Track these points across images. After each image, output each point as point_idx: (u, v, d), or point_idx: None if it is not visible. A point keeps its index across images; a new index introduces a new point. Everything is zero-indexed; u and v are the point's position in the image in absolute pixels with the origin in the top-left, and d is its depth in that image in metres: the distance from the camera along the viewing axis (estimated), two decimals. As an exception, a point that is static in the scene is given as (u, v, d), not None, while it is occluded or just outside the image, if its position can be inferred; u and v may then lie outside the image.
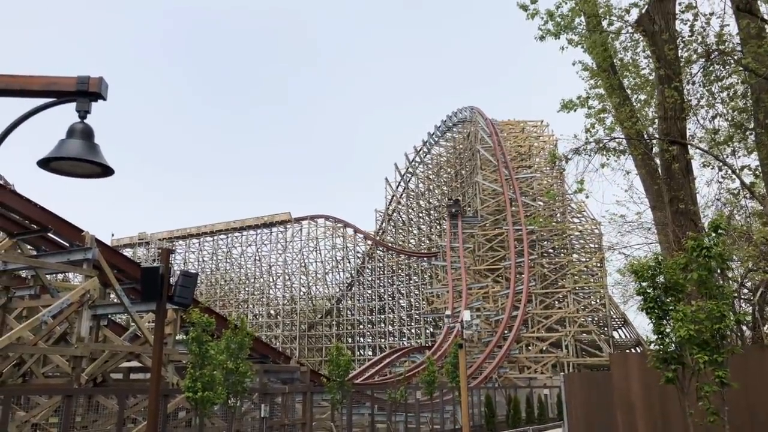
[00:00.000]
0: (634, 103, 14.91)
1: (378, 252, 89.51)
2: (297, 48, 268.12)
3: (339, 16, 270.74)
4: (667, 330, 9.24)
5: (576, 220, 71.04)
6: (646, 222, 15.85)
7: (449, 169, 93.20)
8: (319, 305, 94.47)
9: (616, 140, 14.43)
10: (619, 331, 71.62)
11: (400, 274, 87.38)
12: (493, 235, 71.46)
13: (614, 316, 67.14)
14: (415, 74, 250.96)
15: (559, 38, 14.15)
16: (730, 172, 13.61)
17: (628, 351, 60.54)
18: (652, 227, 15.77)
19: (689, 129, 14.04)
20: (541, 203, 72.67)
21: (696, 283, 9.16)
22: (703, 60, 13.18)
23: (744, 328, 12.70)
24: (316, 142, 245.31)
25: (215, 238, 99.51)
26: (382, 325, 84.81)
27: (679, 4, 13.83)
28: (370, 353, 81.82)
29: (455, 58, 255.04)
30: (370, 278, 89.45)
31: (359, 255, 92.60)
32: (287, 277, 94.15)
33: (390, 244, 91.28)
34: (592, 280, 65.30)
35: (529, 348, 62.43)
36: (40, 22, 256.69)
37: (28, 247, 23.54)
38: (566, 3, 14.09)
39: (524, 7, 14.05)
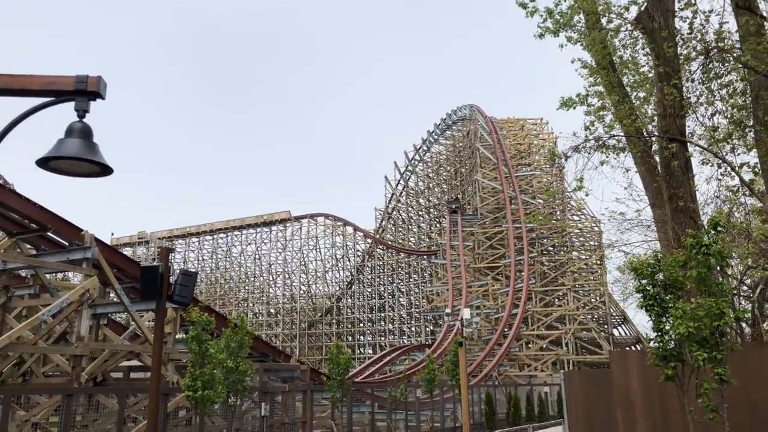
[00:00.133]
0: (634, 101, 14.89)
1: (378, 250, 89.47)
2: (297, 48, 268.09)
3: (339, 16, 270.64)
4: (667, 327, 9.25)
5: (576, 218, 70.96)
6: (646, 219, 15.87)
7: (449, 167, 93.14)
8: (319, 304, 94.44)
9: (616, 138, 14.44)
10: (619, 328, 71.66)
11: (399, 272, 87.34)
12: (492, 233, 71.46)
13: (614, 314, 67.16)
14: (415, 74, 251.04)
15: (558, 36, 14.13)
16: (729, 169, 13.62)
17: (627, 348, 60.66)
18: (651, 225, 15.78)
19: (688, 126, 14.05)
20: (541, 201, 72.60)
21: (695, 280, 9.17)
22: (703, 57, 13.17)
23: (743, 325, 12.73)
24: (316, 142, 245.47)
25: (215, 236, 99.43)
26: (382, 323, 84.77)
27: (679, 1, 13.83)
28: (370, 351, 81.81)
29: (455, 57, 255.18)
30: (369, 276, 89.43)
31: (359, 253, 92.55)
32: (287, 276, 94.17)
33: (390, 243, 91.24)
34: (591, 278, 65.32)
35: (529, 346, 62.43)
36: (40, 22, 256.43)
37: (28, 246, 23.56)
38: (565, 0, 14.08)
39: (523, 5, 14.03)
